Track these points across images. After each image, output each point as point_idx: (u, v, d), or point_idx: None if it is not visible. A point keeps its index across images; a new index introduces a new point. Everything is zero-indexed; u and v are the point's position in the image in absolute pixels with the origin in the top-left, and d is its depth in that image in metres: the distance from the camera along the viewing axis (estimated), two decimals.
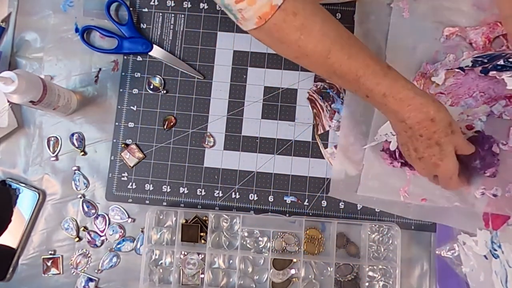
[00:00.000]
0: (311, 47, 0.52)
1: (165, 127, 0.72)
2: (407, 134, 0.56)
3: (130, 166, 0.72)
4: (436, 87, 0.67)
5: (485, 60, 0.65)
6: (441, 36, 0.69)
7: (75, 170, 0.72)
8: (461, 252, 0.66)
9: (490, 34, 0.67)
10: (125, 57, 0.74)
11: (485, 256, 0.66)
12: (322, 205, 0.70)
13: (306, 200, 0.70)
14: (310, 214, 0.70)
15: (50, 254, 0.71)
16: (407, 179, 0.67)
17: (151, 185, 0.72)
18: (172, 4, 0.75)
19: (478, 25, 0.68)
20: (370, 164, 0.68)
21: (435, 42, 0.69)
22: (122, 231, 0.71)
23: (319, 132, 0.71)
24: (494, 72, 0.63)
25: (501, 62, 0.63)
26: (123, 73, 0.73)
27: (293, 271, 0.68)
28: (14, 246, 0.70)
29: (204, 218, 0.70)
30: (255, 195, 0.71)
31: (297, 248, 0.69)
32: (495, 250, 0.65)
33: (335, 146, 0.70)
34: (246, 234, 0.70)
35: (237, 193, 0.71)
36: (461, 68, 0.66)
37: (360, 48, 0.53)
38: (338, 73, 0.53)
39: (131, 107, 0.73)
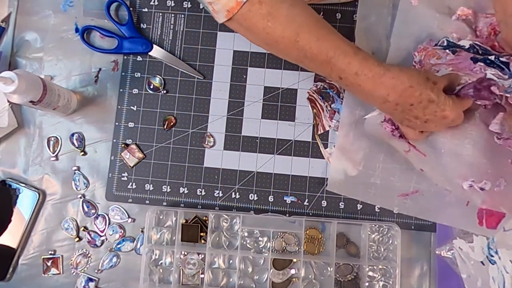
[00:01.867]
0: (279, 33, 0.53)
1: (165, 127, 0.72)
2: (398, 110, 0.56)
3: (130, 166, 0.72)
4: (437, 59, 0.66)
5: (480, 51, 0.65)
6: (453, 13, 0.67)
7: (75, 170, 0.72)
8: (458, 258, 0.66)
9: (497, 27, 0.66)
10: (125, 57, 0.74)
11: (482, 262, 0.65)
12: (322, 205, 0.70)
13: (306, 200, 0.70)
14: (310, 214, 0.70)
15: (50, 254, 0.71)
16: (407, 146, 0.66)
17: (151, 185, 0.72)
18: (172, 4, 0.75)
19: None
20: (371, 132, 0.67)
21: (441, 32, 0.68)
22: (122, 231, 0.71)
23: (319, 132, 0.71)
24: (482, 64, 0.64)
25: (492, 58, 0.63)
26: (123, 73, 0.73)
27: (293, 271, 0.68)
28: (14, 246, 0.70)
29: (204, 218, 0.70)
30: (255, 195, 0.71)
31: (297, 248, 0.69)
32: (492, 256, 0.65)
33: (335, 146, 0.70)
34: (246, 234, 0.70)
35: (237, 193, 0.71)
36: (456, 45, 0.66)
37: (329, 30, 0.55)
38: (309, 55, 0.54)
39: (131, 107, 0.73)
